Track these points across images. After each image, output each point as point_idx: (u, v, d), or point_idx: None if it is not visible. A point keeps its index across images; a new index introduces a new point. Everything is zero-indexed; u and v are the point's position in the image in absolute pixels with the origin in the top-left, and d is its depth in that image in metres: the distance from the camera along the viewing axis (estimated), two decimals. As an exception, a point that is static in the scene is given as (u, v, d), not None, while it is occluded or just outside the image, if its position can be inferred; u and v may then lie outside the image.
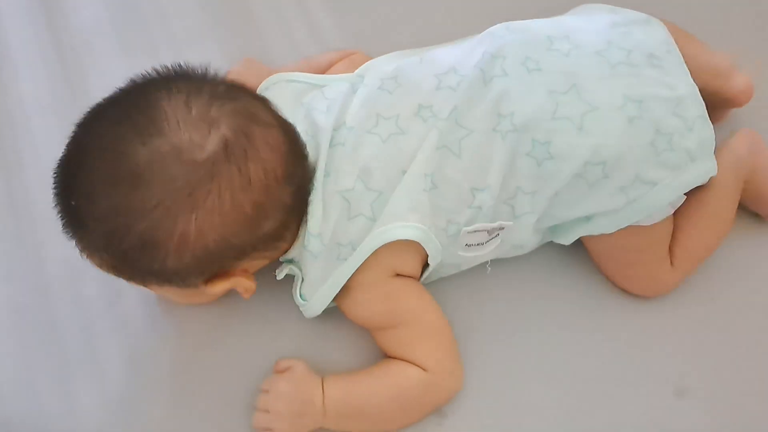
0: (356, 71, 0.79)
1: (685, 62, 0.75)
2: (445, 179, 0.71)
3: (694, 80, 0.74)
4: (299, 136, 0.72)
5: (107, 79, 0.91)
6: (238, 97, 0.67)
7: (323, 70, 0.86)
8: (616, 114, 0.70)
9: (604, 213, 0.74)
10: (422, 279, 0.77)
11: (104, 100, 0.67)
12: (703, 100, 0.74)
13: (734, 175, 0.79)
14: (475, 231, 0.73)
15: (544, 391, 0.78)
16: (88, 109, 0.67)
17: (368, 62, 0.80)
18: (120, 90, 0.67)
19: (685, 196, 0.75)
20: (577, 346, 0.80)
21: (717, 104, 0.82)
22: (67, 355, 0.80)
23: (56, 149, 0.88)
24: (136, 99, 0.66)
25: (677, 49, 0.75)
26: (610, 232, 0.74)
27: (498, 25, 0.77)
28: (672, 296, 0.81)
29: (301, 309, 0.75)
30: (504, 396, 0.78)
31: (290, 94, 0.78)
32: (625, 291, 0.81)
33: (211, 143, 0.63)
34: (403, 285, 0.74)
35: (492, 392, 0.78)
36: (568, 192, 0.72)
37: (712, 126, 0.73)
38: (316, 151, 0.73)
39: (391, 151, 0.71)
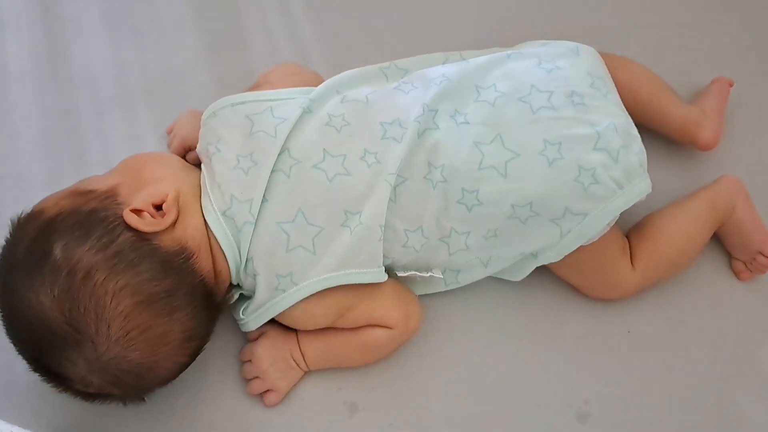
0: (309, 95, 0.79)
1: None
2: (386, 224, 0.75)
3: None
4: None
5: (88, 53, 0.97)
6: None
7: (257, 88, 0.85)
8: (536, 158, 0.74)
9: (546, 247, 0.78)
10: None
11: None
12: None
13: (710, 206, 0.84)
14: (406, 274, 0.79)
15: (447, 404, 0.81)
16: None
17: (321, 85, 0.80)
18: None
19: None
20: (485, 364, 0.83)
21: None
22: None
23: (31, 115, 0.93)
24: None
25: (606, 77, 0.79)
26: (557, 260, 0.79)
27: (436, 68, 0.81)
28: (582, 326, 0.84)
29: (238, 323, 0.79)
30: (411, 398, 0.81)
31: (238, 121, 0.78)
32: (589, 298, 0.84)
33: None
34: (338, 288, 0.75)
35: (401, 392, 0.81)
36: (504, 230, 0.76)
37: (642, 147, 0.76)
38: (257, 176, 0.74)
39: (336, 191, 0.74)
